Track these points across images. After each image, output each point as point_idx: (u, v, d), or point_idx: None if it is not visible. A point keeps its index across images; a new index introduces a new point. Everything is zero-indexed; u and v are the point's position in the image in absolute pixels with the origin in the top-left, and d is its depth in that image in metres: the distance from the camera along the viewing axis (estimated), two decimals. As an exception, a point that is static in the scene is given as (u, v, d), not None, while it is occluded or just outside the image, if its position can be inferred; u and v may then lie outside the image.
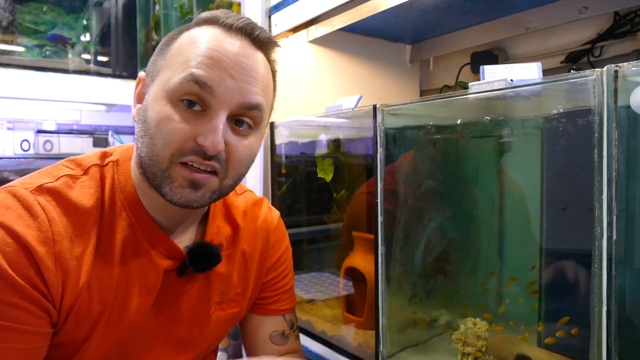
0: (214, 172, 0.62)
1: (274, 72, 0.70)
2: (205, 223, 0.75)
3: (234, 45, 0.62)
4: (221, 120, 0.60)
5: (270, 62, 0.69)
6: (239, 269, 0.79)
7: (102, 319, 0.63)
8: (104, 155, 0.70)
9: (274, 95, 0.71)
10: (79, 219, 0.62)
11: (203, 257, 0.71)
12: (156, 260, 0.67)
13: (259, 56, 0.65)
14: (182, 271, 0.70)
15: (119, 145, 0.73)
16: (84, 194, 0.63)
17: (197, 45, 0.61)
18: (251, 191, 0.87)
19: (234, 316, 0.79)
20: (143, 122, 0.63)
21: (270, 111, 0.72)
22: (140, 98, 0.67)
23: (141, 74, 0.67)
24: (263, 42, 0.65)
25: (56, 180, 0.63)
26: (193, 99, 0.60)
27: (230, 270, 0.77)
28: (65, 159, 0.68)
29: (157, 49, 0.66)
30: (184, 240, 0.72)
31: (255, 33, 0.64)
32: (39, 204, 0.59)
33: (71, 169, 0.66)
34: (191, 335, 0.74)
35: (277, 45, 0.68)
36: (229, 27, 0.63)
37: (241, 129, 0.64)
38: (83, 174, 0.66)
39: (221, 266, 0.74)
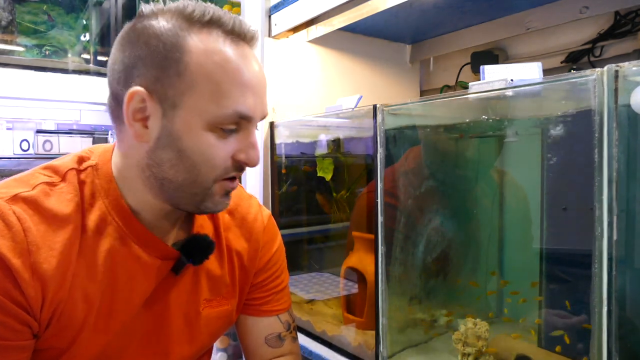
0: None
1: None
2: (191, 217, 0.74)
3: (254, 63, 0.63)
4: (255, 135, 0.64)
5: None
6: (226, 265, 0.78)
7: (87, 326, 0.62)
8: (81, 160, 0.68)
9: None
10: (57, 227, 0.60)
11: (197, 249, 0.71)
12: (148, 262, 0.66)
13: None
14: (179, 268, 0.70)
15: (94, 147, 0.71)
16: (62, 200, 0.62)
17: (226, 71, 0.59)
18: (241, 186, 0.86)
19: (224, 314, 0.78)
20: (176, 150, 0.60)
21: None
22: (142, 118, 0.60)
23: (139, 89, 0.58)
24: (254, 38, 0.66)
25: (33, 189, 0.61)
26: (233, 127, 0.62)
27: (217, 266, 0.76)
28: (41, 166, 0.66)
29: (149, 57, 0.58)
30: (171, 237, 0.72)
31: (250, 35, 0.64)
32: (14, 213, 0.57)
33: (48, 176, 0.64)
34: (182, 334, 0.73)
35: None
36: (237, 35, 0.62)
37: None
38: (61, 181, 0.64)
39: (208, 262, 0.74)
